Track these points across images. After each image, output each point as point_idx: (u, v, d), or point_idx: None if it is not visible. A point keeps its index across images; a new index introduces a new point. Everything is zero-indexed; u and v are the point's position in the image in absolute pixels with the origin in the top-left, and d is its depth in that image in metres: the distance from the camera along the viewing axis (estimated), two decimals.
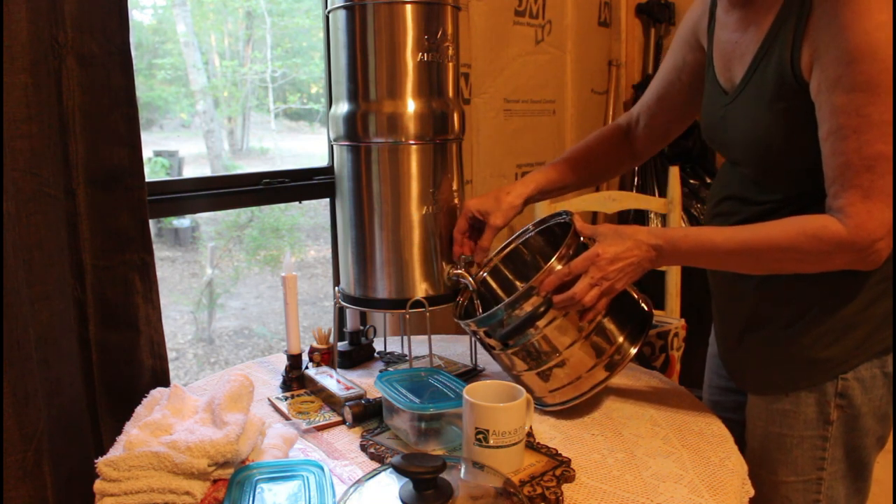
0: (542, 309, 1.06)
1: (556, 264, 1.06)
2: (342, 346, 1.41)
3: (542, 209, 1.90)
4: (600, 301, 1.04)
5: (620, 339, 1.10)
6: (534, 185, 1.26)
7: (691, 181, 2.38)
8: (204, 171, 4.44)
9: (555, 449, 1.03)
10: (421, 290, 1.25)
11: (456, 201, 1.27)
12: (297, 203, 1.78)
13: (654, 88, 1.28)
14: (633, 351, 1.09)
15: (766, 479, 1.10)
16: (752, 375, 1.13)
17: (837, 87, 0.89)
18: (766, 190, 1.05)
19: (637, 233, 1.03)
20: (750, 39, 1.02)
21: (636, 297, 1.16)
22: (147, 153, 3.81)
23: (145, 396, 1.09)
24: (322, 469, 0.91)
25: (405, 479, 0.79)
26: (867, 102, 0.87)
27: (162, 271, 2.53)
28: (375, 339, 1.48)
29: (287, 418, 1.17)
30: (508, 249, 1.32)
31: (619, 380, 1.25)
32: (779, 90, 0.97)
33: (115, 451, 0.93)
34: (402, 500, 0.78)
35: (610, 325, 1.10)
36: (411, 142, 1.20)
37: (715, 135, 1.13)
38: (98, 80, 1.11)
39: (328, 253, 1.90)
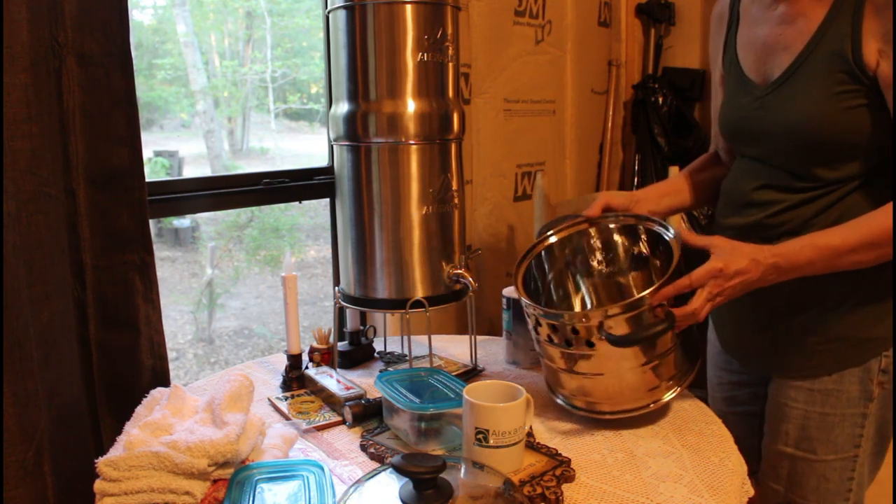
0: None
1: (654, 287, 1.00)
2: (342, 346, 1.41)
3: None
4: (706, 307, 1.00)
5: (673, 371, 1.07)
6: (667, 205, 1.27)
7: None
8: (204, 171, 4.44)
9: (555, 449, 1.03)
10: (421, 290, 1.25)
11: (456, 201, 1.27)
12: (297, 203, 1.78)
13: (714, 121, 1.30)
14: (678, 390, 1.07)
15: (802, 459, 1.11)
16: (792, 360, 1.13)
17: None
18: (805, 178, 1.06)
19: (755, 251, 1.00)
20: (797, 31, 1.03)
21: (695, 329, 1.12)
22: (147, 153, 3.81)
23: (145, 396, 1.09)
24: (322, 469, 0.91)
25: (405, 479, 0.79)
26: None
27: (162, 271, 2.53)
28: (375, 339, 1.48)
29: (287, 418, 1.17)
30: (568, 231, 1.24)
31: None
32: (835, 77, 0.98)
33: (116, 451, 0.93)
34: (402, 500, 0.78)
35: (672, 355, 1.06)
36: (411, 142, 1.20)
37: (746, 128, 1.13)
38: (98, 80, 1.11)
39: (328, 253, 1.90)
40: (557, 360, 1.08)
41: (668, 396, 1.07)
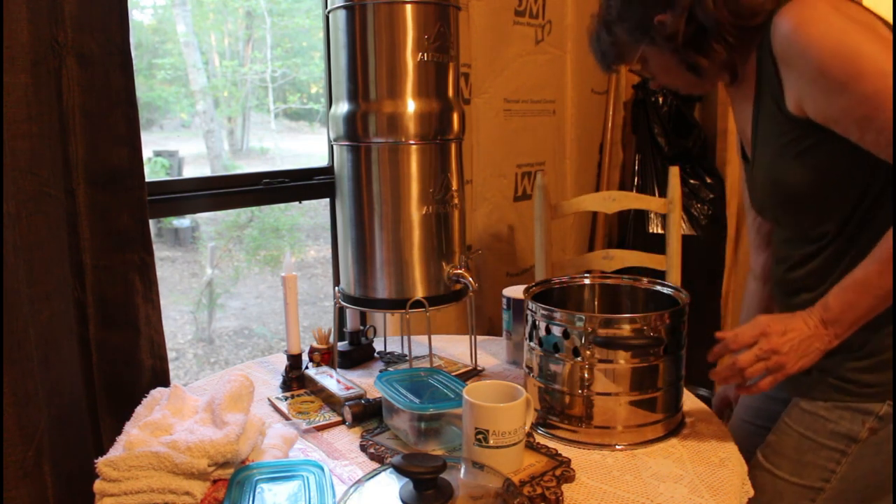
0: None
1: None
2: (342, 346, 1.41)
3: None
4: (764, 382, 0.99)
5: (659, 417, 1.07)
6: None
7: (691, 181, 2.38)
8: (204, 171, 4.44)
9: (555, 449, 1.03)
10: (421, 290, 1.25)
11: (456, 201, 1.27)
12: (297, 203, 1.78)
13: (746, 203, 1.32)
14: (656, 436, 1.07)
15: (768, 469, 1.10)
16: (802, 382, 1.10)
17: (830, 95, 0.92)
18: (801, 234, 1.08)
19: (796, 314, 0.99)
20: (746, 108, 1.09)
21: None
22: (147, 153, 3.81)
23: (145, 396, 1.09)
24: (322, 469, 0.91)
25: (405, 479, 0.79)
26: (861, 86, 0.89)
27: (162, 271, 2.53)
28: (375, 339, 1.48)
29: (287, 418, 1.17)
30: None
31: None
32: (777, 130, 1.02)
33: (115, 451, 0.93)
34: (402, 500, 0.78)
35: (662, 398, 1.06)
36: (411, 142, 1.20)
37: (753, 201, 1.20)
38: (98, 80, 1.11)
39: (328, 253, 1.90)
40: (543, 369, 1.09)
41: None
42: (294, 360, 1.28)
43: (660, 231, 2.34)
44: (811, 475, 1.07)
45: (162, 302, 1.24)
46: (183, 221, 4.40)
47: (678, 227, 1.70)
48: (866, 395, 1.04)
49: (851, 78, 0.89)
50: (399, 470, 0.78)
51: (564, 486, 0.94)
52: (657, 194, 2.35)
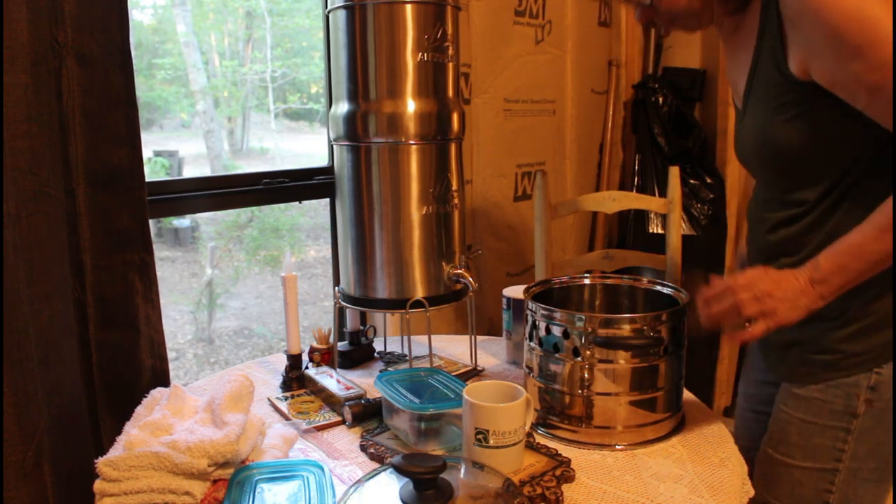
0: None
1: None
2: (342, 346, 1.41)
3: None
4: (757, 327, 0.99)
5: (659, 417, 1.07)
6: None
7: (691, 181, 2.38)
8: (204, 171, 4.44)
9: (555, 449, 1.03)
10: (421, 290, 1.25)
11: (456, 201, 1.27)
12: (297, 203, 1.78)
13: None
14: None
15: (780, 461, 1.11)
16: (789, 366, 1.13)
17: (843, 60, 0.91)
18: (786, 194, 1.07)
19: (785, 271, 1.00)
20: (743, 59, 1.08)
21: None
22: (147, 153, 3.81)
23: (145, 396, 1.09)
24: (322, 469, 0.91)
25: (405, 479, 0.79)
26: (877, 53, 0.88)
27: (162, 271, 2.53)
28: (375, 339, 1.48)
29: (287, 418, 1.16)
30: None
31: None
32: (773, 92, 1.01)
33: (115, 451, 0.93)
34: (402, 500, 0.78)
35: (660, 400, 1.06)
36: (411, 142, 1.20)
37: (738, 152, 1.18)
38: (98, 80, 1.11)
39: (328, 253, 1.90)
40: (542, 368, 1.09)
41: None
42: (294, 360, 1.28)
43: (660, 231, 2.34)
44: (823, 457, 1.07)
45: (162, 302, 1.24)
46: (183, 221, 4.40)
47: (678, 227, 1.70)
48: (854, 365, 1.05)
49: (867, 44, 0.88)
50: (399, 470, 0.78)
51: (564, 486, 0.94)
52: (657, 194, 2.35)
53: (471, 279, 1.25)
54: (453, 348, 1.47)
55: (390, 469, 0.82)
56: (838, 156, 1.00)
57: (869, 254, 0.96)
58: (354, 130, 1.22)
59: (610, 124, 2.48)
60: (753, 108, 1.07)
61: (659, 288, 1.20)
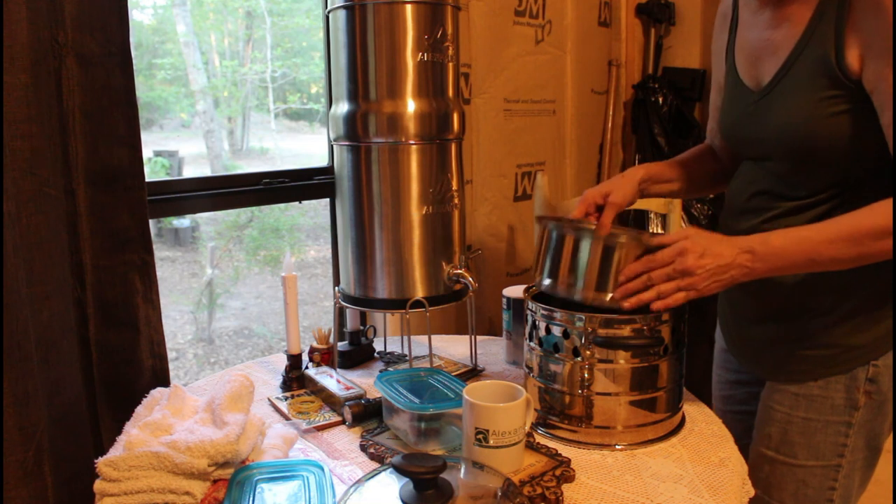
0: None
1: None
2: (342, 346, 1.41)
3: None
4: (675, 295, 0.98)
5: (659, 417, 1.06)
6: (643, 170, 1.21)
7: None
8: (204, 171, 4.44)
9: (555, 449, 1.03)
10: (421, 290, 1.25)
11: (456, 201, 1.27)
12: (297, 203, 1.78)
13: (711, 114, 1.30)
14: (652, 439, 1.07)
15: (783, 462, 1.11)
16: (781, 363, 1.12)
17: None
18: (797, 185, 1.05)
19: (730, 238, 0.99)
20: (784, 35, 1.03)
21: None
22: (147, 153, 3.81)
23: (145, 396, 1.09)
24: (322, 469, 0.91)
25: (405, 479, 0.79)
26: None
27: (162, 271, 2.53)
28: (375, 339, 1.48)
29: (287, 418, 1.16)
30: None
31: None
32: (820, 82, 0.98)
33: (115, 451, 0.93)
34: (402, 500, 0.78)
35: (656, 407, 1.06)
36: (411, 142, 1.20)
37: (741, 132, 1.13)
38: (98, 80, 1.11)
39: (328, 253, 1.90)
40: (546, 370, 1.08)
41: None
42: (294, 360, 1.28)
43: (660, 231, 2.34)
44: (826, 453, 1.08)
45: (162, 302, 1.24)
46: (183, 221, 4.39)
47: (678, 227, 1.70)
48: (853, 358, 1.05)
49: None
50: (399, 470, 0.78)
51: (564, 486, 0.94)
52: None
53: (471, 279, 1.25)
54: (453, 348, 1.47)
55: (390, 469, 0.82)
56: (864, 155, 0.99)
57: (815, 253, 0.95)
58: (354, 130, 1.22)
59: (610, 124, 2.48)
60: (788, 93, 1.02)
61: None
